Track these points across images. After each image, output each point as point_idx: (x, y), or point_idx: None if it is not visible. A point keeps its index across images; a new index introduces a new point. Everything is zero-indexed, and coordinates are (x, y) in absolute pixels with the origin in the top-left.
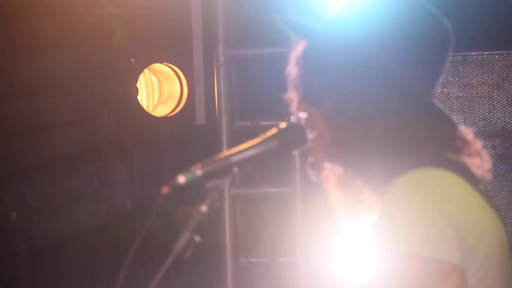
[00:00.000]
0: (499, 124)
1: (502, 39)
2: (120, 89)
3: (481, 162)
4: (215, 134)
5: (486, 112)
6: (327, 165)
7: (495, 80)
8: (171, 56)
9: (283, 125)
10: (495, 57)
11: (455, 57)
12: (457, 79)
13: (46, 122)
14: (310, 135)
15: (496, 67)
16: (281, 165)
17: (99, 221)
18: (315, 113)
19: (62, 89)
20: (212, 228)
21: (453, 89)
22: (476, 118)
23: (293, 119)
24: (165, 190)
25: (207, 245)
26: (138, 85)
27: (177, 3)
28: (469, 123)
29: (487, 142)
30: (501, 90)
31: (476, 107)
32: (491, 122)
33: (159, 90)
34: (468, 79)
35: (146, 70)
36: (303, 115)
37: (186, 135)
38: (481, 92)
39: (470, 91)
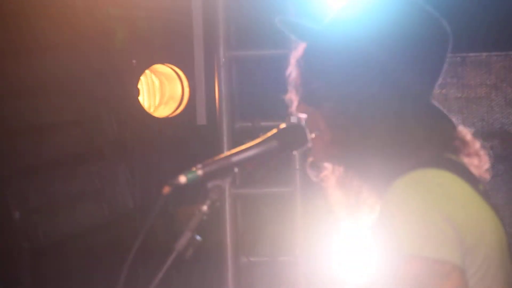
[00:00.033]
0: (497, 125)
1: (500, 40)
2: (121, 90)
3: (479, 163)
4: (216, 134)
5: (484, 113)
6: (327, 165)
7: (493, 81)
8: (172, 57)
9: (283, 125)
10: (493, 58)
11: (454, 58)
12: (456, 80)
13: (47, 123)
14: (310, 135)
15: (494, 68)
16: (281, 165)
17: (101, 221)
18: (315, 114)
19: (63, 90)
20: (213, 227)
21: (452, 90)
22: (475, 119)
23: (293, 119)
24: (166, 190)
25: (208, 245)
26: (139, 86)
27: (178, 4)
28: (468, 124)
29: (485, 143)
30: (499, 91)
31: (475, 108)
32: (489, 123)
33: (160, 91)
34: (466, 80)
35: (147, 71)
36: (303, 115)
37: (187, 136)
38: (479, 93)
39: (469, 92)
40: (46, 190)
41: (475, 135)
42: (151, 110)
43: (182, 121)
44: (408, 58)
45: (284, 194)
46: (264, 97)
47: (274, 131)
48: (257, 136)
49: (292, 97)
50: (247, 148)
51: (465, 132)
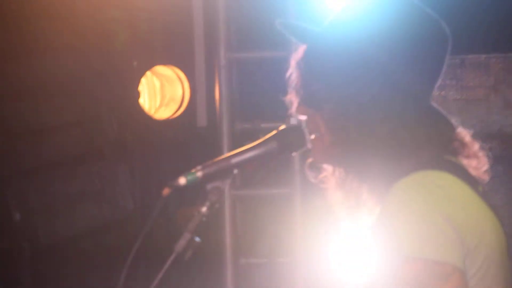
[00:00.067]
0: (496, 127)
1: (499, 42)
2: (122, 92)
3: (478, 164)
4: (216, 136)
5: (483, 115)
6: (327, 166)
7: (492, 83)
8: (173, 58)
9: (282, 127)
10: (492, 60)
11: (453, 60)
12: (455, 81)
13: (47, 124)
14: (310, 137)
15: (493, 70)
16: (281, 167)
17: (101, 222)
18: (315, 116)
19: (63, 91)
20: (212, 229)
21: (451, 91)
22: (473, 121)
23: (293, 121)
24: (166, 191)
25: (207, 246)
26: (140, 87)
27: (179, 6)
28: (466, 125)
29: (484, 144)
30: (498, 93)
31: (473, 109)
32: (488, 124)
33: (161, 92)
34: (465, 82)
35: (148, 73)
36: (303, 117)
37: (188, 137)
38: (478, 95)
39: (467, 94)
40: (46, 190)
41: (474, 136)
42: (152, 112)
43: (183, 122)
44: (408, 59)
45: (284, 195)
46: (264, 99)
47: (274, 132)
48: (257, 138)
49: (292, 99)
50: (247, 150)
51: (464, 134)
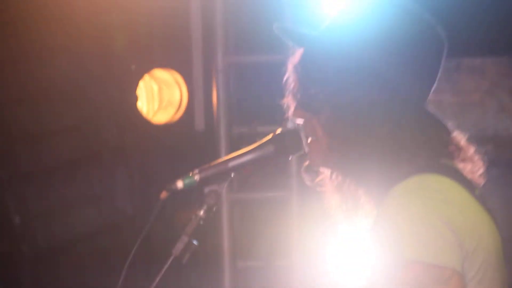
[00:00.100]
0: (491, 130)
1: (494, 46)
2: (120, 95)
3: (474, 167)
4: (214, 139)
5: (478, 118)
6: (324, 170)
7: (487, 86)
8: (171, 62)
9: (279, 131)
10: (487, 64)
11: (448, 64)
12: (450, 85)
13: (46, 128)
14: (306, 140)
15: (488, 74)
16: (278, 170)
17: (100, 225)
18: (312, 120)
19: (62, 95)
20: (210, 232)
21: (446, 95)
22: (468, 124)
23: (290, 125)
24: (163, 194)
25: (204, 249)
26: (138, 91)
27: (177, 10)
28: (462, 129)
29: (479, 148)
30: (493, 96)
31: (469, 113)
32: (483, 128)
33: (159, 96)
34: (460, 86)
35: (146, 76)
36: (300, 121)
37: (185, 141)
38: (473, 99)
39: (463, 98)
40: (45, 194)
41: (470, 140)
42: (150, 115)
43: (180, 126)
44: (404, 64)
45: (281, 198)
46: (261, 103)
47: (270, 136)
48: (254, 141)
49: (289, 103)
50: (244, 153)
51: (460, 137)
